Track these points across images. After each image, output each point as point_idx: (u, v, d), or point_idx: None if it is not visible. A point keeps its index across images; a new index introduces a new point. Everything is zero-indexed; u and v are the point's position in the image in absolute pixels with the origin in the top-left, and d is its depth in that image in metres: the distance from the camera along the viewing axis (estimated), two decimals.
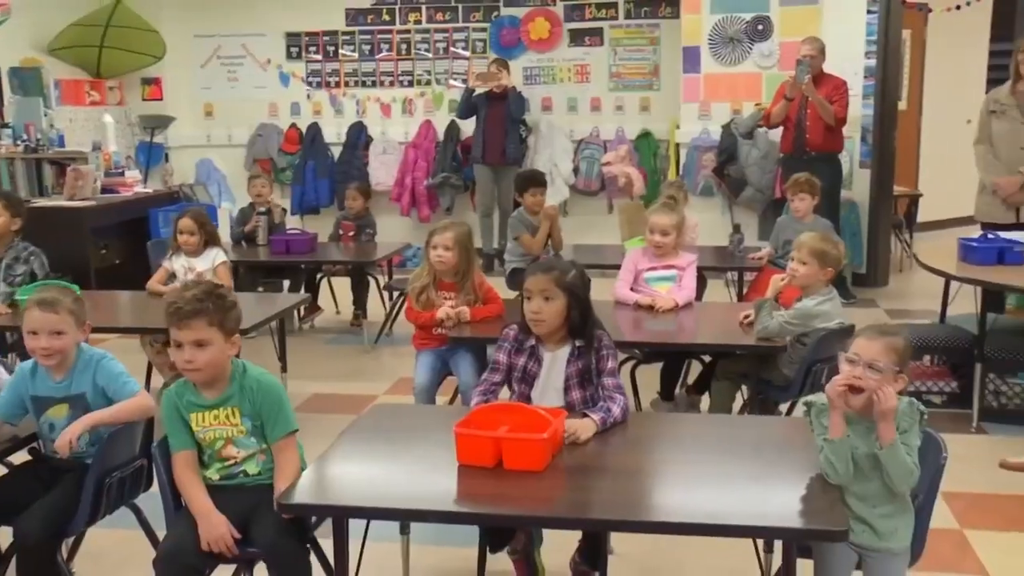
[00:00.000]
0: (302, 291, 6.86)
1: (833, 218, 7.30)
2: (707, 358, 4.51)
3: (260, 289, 6.92)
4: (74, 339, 2.97)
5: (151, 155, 9.73)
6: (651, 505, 2.42)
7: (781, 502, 2.35)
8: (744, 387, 4.18)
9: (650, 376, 4.71)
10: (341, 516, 2.45)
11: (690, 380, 4.74)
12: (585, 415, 2.78)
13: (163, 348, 5.01)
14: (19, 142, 8.65)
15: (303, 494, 2.42)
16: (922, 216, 9.71)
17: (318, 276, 7.08)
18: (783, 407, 4.09)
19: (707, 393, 4.43)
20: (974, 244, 4.93)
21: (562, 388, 2.99)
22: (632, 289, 4.54)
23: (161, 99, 10.04)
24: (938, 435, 2.54)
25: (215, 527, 2.61)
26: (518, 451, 2.51)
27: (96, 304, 5.08)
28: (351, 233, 6.99)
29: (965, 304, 5.55)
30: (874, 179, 8.03)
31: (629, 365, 4.56)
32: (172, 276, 5.15)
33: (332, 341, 6.74)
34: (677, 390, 4.71)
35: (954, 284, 5.27)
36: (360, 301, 6.87)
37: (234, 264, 6.81)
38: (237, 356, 2.85)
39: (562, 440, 2.64)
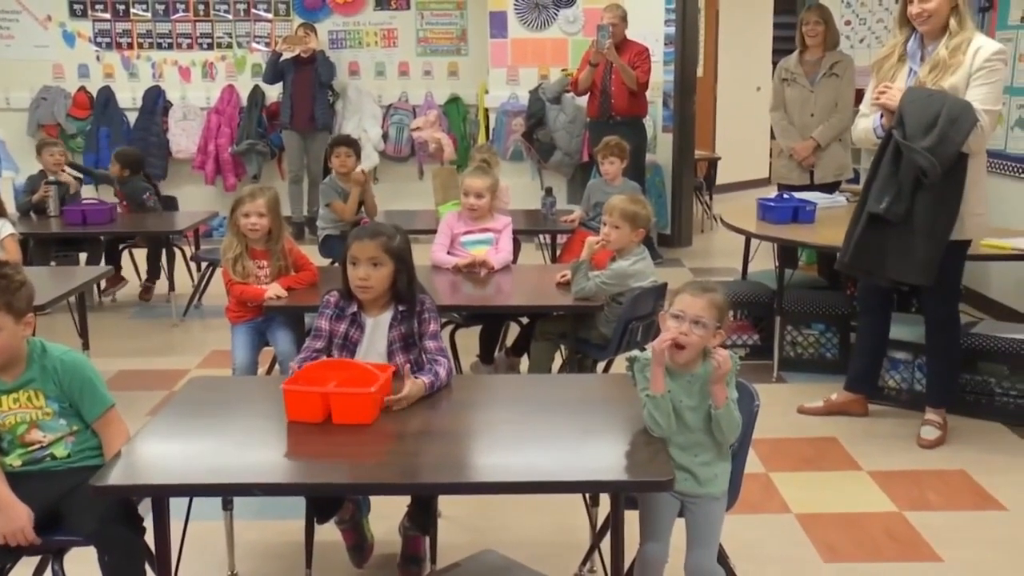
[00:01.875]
0: (102, 263, 6.53)
1: (639, 181, 7.52)
2: (525, 320, 4.59)
3: (53, 263, 6.53)
4: None
5: None
6: (479, 465, 2.43)
7: (606, 456, 2.42)
8: (563, 347, 4.28)
9: (469, 339, 4.75)
10: (160, 496, 2.34)
11: (508, 342, 4.80)
12: (413, 378, 2.75)
13: None
14: None
15: (117, 475, 2.29)
16: (720, 179, 10.19)
17: (120, 247, 6.73)
18: (601, 365, 4.20)
19: (526, 355, 4.51)
20: (771, 204, 5.20)
21: (385, 353, 2.95)
22: (449, 253, 4.55)
23: None
24: (751, 385, 2.67)
25: (13, 520, 2.42)
26: (346, 405, 2.53)
27: None
28: (123, 202, 6.66)
29: (760, 262, 5.87)
30: (676, 143, 8.35)
31: (448, 329, 4.58)
32: None
33: (137, 315, 6.43)
34: (496, 353, 4.76)
35: (753, 242, 5.56)
36: (154, 272, 6.57)
37: (23, 237, 6.41)
38: (33, 335, 2.66)
39: (389, 393, 2.63)
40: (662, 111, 8.33)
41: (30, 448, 2.61)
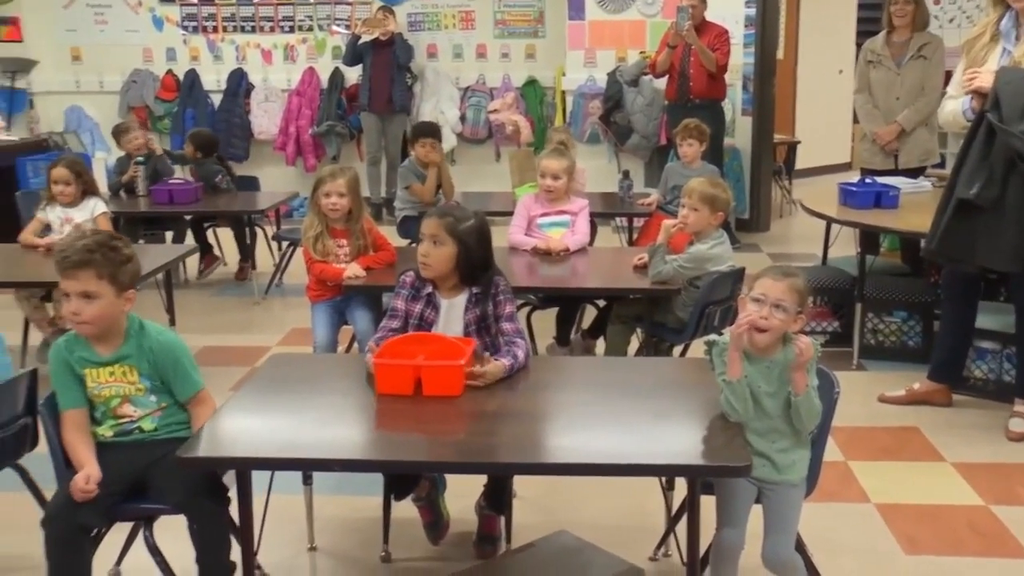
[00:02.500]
0: (186, 242, 6.69)
1: (717, 165, 7.45)
2: (601, 302, 4.58)
3: (141, 241, 6.70)
4: None
5: (13, 101, 9.24)
6: (555, 447, 2.43)
7: (682, 440, 2.41)
8: (639, 330, 4.26)
9: (545, 321, 4.75)
10: (243, 468, 2.40)
11: (585, 325, 4.80)
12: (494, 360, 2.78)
13: (41, 304, 4.82)
14: None
15: (203, 447, 2.36)
16: (799, 163, 10.01)
17: (205, 226, 6.89)
18: (677, 350, 4.18)
19: (602, 337, 4.50)
20: (853, 188, 5.10)
21: (461, 336, 2.98)
22: (526, 235, 4.56)
23: (20, 40, 9.50)
24: (831, 372, 2.63)
25: (76, 480, 2.50)
26: (437, 377, 2.61)
27: None
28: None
29: (840, 248, 5.76)
30: (755, 127, 8.23)
31: (525, 311, 4.59)
32: (47, 228, 4.92)
33: (220, 293, 6.57)
34: (572, 335, 4.76)
35: (834, 228, 5.46)
36: (245, 252, 6.70)
37: (114, 215, 6.59)
38: None
39: (471, 364, 2.68)
40: (741, 94, 8.20)
41: (120, 420, 2.69)
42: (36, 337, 5.00)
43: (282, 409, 2.62)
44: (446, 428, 2.49)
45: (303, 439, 2.44)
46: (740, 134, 8.28)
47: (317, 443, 2.42)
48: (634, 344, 4.35)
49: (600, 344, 4.56)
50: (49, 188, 4.95)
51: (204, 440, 2.40)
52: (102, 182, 6.50)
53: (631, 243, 5.99)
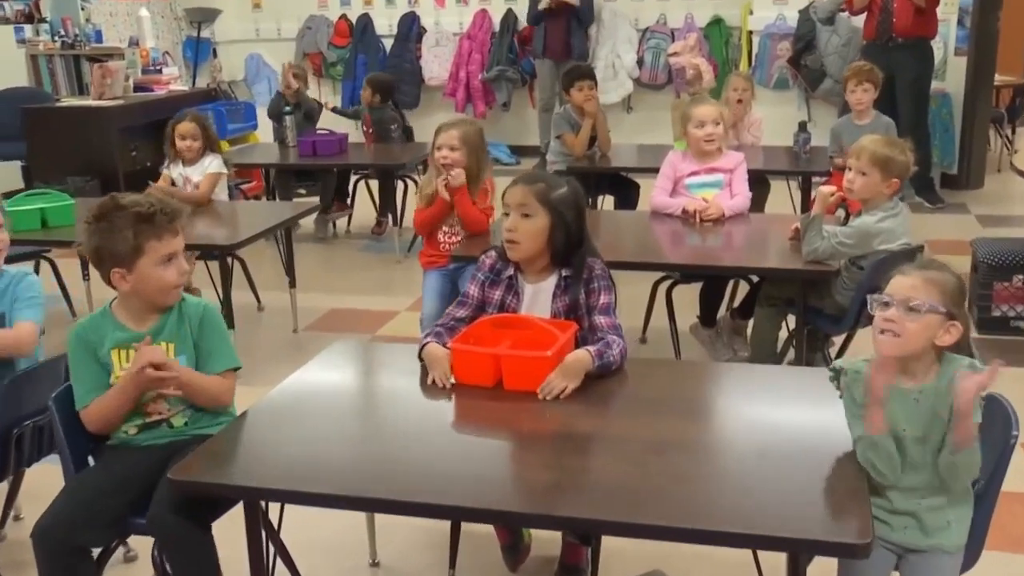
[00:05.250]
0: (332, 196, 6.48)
1: (921, 113, 6.56)
2: (755, 278, 3.94)
3: (303, 192, 6.54)
4: None
5: (199, 51, 9.32)
6: (640, 502, 1.82)
7: (784, 496, 1.81)
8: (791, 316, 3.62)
9: (689, 294, 4.17)
10: (253, 499, 2.02)
11: (736, 301, 4.19)
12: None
13: None
14: (56, 38, 8.33)
15: (202, 467, 1.98)
16: None
17: (356, 177, 6.65)
18: (838, 341, 3.52)
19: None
20: None
21: None
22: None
23: None
24: (1007, 403, 1.97)
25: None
26: (520, 369, 2.26)
27: None
28: (369, 130, 6.48)
29: None
30: (971, 67, 7.16)
31: (665, 285, 4.03)
32: (172, 185, 4.74)
33: (366, 248, 6.31)
34: (721, 312, 4.16)
35: None
36: (384, 206, 6.41)
37: (265, 167, 6.46)
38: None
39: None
40: (955, 30, 7.14)
41: (149, 418, 2.37)
42: None
43: (321, 418, 2.21)
44: (525, 458, 2.05)
45: (335, 463, 2.00)
46: (952, 77, 7.24)
47: (353, 471, 1.98)
48: (786, 331, 3.71)
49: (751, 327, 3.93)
50: (173, 144, 4.76)
51: (206, 457, 2.03)
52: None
53: (804, 209, 5.22)
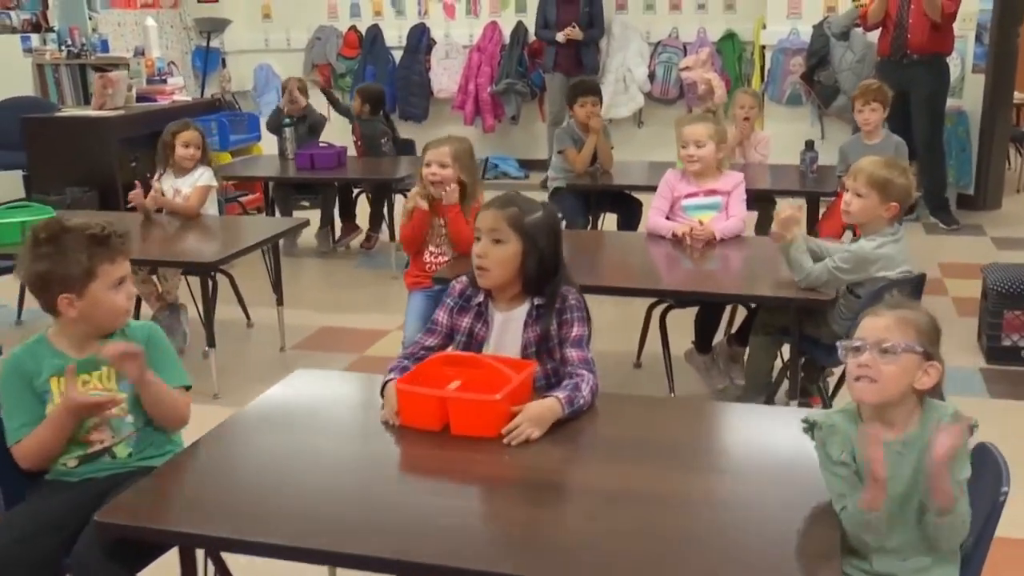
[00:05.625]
0: (336, 211, 6.37)
1: (936, 131, 6.39)
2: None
3: (306, 205, 6.44)
4: None
5: (207, 61, 9.26)
6: (600, 563, 1.67)
7: (758, 562, 1.66)
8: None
9: (684, 320, 4.01)
10: (187, 546, 1.89)
11: (734, 327, 4.03)
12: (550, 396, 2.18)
13: (148, 277, 4.56)
14: (63, 47, 8.29)
15: (132, 507, 1.86)
16: None
17: (355, 193, 6.54)
18: (836, 370, 3.37)
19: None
20: None
21: (519, 357, 2.36)
22: (668, 219, 3.86)
23: (216, 0, 9.51)
24: (998, 454, 1.82)
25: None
26: (467, 413, 2.11)
27: None
28: (358, 141, 6.37)
29: None
30: (989, 85, 6.98)
31: (660, 309, 3.88)
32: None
33: (361, 265, 6.18)
34: (718, 337, 4.00)
35: None
36: (374, 221, 6.29)
37: (264, 180, 6.36)
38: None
39: (527, 398, 2.15)
40: (973, 47, 6.96)
41: (89, 449, 2.25)
42: (146, 312, 4.76)
43: (268, 457, 2.08)
44: (477, 509, 1.90)
45: (281, 508, 1.85)
46: (969, 94, 7.05)
47: (302, 518, 1.82)
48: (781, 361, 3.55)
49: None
50: (167, 154, 4.66)
51: (140, 495, 1.90)
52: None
53: (811, 229, 5.04)
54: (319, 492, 1.93)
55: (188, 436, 2.27)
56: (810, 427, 1.82)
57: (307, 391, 2.47)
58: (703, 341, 3.90)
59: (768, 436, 2.15)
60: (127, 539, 1.90)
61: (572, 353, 2.30)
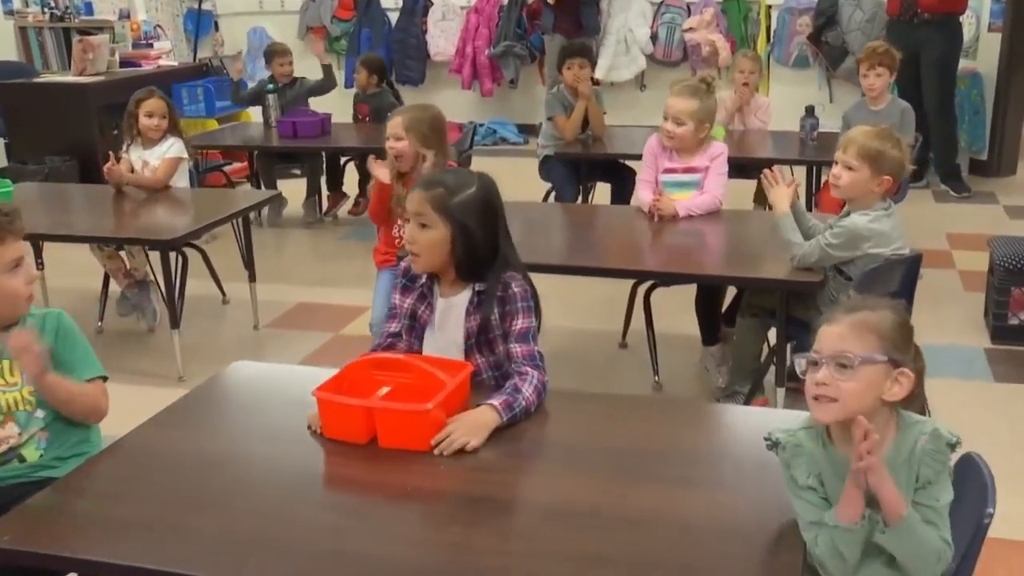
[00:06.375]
0: (323, 179, 6.16)
1: (947, 94, 6.11)
2: None
3: (297, 173, 6.23)
4: None
5: (200, 24, 9.02)
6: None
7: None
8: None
9: (670, 300, 3.79)
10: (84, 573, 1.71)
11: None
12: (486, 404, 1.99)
13: (115, 253, 4.37)
14: (46, 10, 8.06)
15: (22, 527, 1.67)
16: None
17: (343, 161, 6.31)
18: None
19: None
20: None
21: (463, 346, 2.16)
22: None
23: None
24: (985, 468, 1.60)
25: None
26: (394, 426, 1.92)
27: (52, 204, 4.53)
28: (365, 117, 6.12)
29: None
30: (1007, 45, 6.66)
31: (644, 288, 3.67)
32: (131, 170, 4.43)
33: (349, 236, 5.97)
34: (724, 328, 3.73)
35: None
36: (364, 186, 6.06)
37: (249, 150, 6.16)
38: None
39: (461, 407, 1.96)
40: (990, 4, 6.65)
41: None
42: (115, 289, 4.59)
43: (186, 469, 1.89)
44: (405, 533, 1.70)
45: (190, 530, 1.67)
46: (985, 55, 6.74)
47: (216, 542, 1.65)
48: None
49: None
50: (131, 124, 4.45)
51: (31, 513, 1.72)
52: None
53: (809, 205, 4.73)
54: (237, 511, 1.75)
55: (139, 422, 2.08)
56: (773, 445, 1.61)
57: (243, 388, 2.29)
58: (708, 332, 3.64)
59: (736, 441, 1.95)
60: (18, 566, 1.72)
61: (516, 348, 2.10)
